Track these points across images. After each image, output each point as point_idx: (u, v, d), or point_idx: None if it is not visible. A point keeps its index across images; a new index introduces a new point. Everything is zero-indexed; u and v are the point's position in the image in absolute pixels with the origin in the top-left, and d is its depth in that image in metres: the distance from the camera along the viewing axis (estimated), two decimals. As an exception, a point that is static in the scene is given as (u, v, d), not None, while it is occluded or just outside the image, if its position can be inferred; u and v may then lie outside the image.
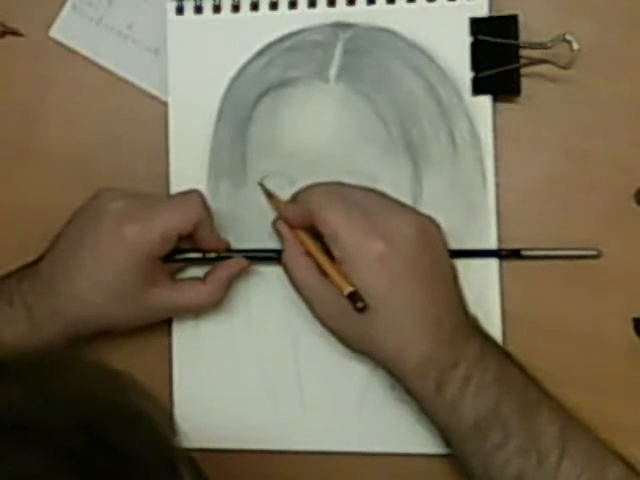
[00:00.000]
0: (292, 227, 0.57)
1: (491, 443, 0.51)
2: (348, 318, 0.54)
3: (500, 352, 0.54)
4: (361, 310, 0.52)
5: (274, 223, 0.59)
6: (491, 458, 0.51)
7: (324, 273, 0.55)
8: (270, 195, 0.60)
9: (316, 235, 0.56)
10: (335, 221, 0.54)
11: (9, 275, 0.59)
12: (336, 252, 0.54)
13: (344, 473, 0.61)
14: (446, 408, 0.52)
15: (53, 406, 0.36)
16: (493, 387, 0.52)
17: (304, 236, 0.57)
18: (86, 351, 0.60)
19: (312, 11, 0.62)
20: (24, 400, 0.36)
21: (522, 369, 0.54)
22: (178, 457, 0.38)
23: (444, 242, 0.56)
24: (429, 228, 0.55)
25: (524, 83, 0.59)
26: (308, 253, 0.56)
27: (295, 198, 0.58)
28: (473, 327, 0.55)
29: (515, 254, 0.59)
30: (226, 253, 0.60)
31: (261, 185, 0.61)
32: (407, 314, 0.53)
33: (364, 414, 0.60)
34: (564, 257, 0.59)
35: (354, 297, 0.52)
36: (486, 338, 0.55)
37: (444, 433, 0.54)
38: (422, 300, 0.53)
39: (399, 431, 0.59)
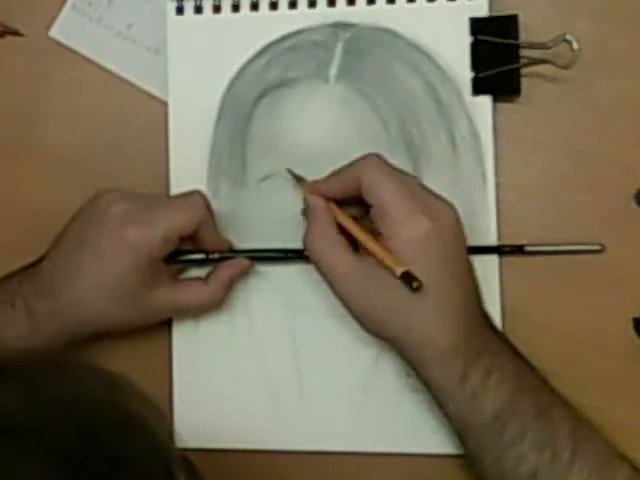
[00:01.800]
0: (326, 199, 0.56)
1: (508, 437, 0.51)
2: (382, 299, 0.53)
3: (513, 348, 0.55)
4: (416, 290, 0.51)
5: (305, 198, 0.57)
6: (506, 453, 0.51)
7: (358, 250, 0.54)
8: (300, 179, 0.59)
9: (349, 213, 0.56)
10: (388, 192, 0.53)
11: (10, 276, 0.59)
12: (382, 226, 0.53)
13: (344, 473, 0.61)
14: (466, 399, 0.52)
15: (48, 409, 0.36)
16: (512, 381, 0.52)
17: (338, 210, 0.55)
18: (86, 351, 0.60)
19: (312, 11, 0.62)
20: (19, 403, 0.36)
21: (533, 367, 0.54)
22: (173, 459, 0.38)
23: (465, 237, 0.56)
24: (459, 220, 0.55)
25: (524, 83, 0.59)
26: (343, 229, 0.55)
27: (340, 170, 0.56)
28: (488, 322, 0.55)
29: (518, 250, 0.59)
30: (229, 253, 0.60)
31: (290, 171, 0.59)
32: (442, 298, 0.52)
33: (364, 414, 0.60)
34: (567, 252, 0.59)
35: (408, 276, 0.51)
36: (500, 335, 0.55)
37: (459, 426, 0.54)
38: (458, 286, 0.53)
39: (400, 431, 0.59)
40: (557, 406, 0.53)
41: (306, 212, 0.57)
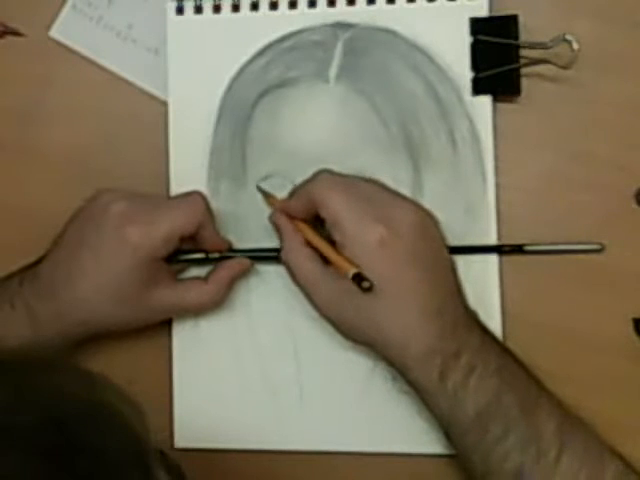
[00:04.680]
0: (291, 219, 0.57)
1: (491, 436, 0.51)
2: (352, 306, 0.54)
3: (500, 345, 0.55)
4: (367, 290, 0.52)
5: (271, 217, 0.59)
6: (491, 452, 0.51)
7: (326, 261, 0.55)
8: (267, 196, 0.60)
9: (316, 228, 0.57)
10: (337, 205, 0.54)
11: (10, 276, 0.59)
12: (337, 237, 0.54)
13: (344, 473, 0.61)
14: (448, 399, 0.52)
15: (25, 405, 0.36)
16: (495, 378, 0.52)
17: (303, 226, 0.57)
18: (86, 352, 0.60)
19: (312, 11, 0.62)
20: None
21: (521, 363, 0.54)
22: (152, 456, 0.39)
23: (442, 234, 0.57)
24: (428, 218, 0.56)
25: (524, 83, 0.59)
26: (308, 243, 0.56)
27: (295, 190, 0.58)
28: (473, 319, 0.55)
29: (518, 249, 0.59)
30: (229, 253, 0.60)
31: (259, 187, 0.61)
32: (410, 301, 0.53)
33: (364, 414, 0.60)
34: (567, 252, 0.59)
35: (359, 277, 0.52)
36: (486, 331, 0.55)
37: (445, 426, 0.54)
38: (424, 288, 0.53)
39: (399, 431, 0.59)
40: (544, 402, 0.52)
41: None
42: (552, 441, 0.51)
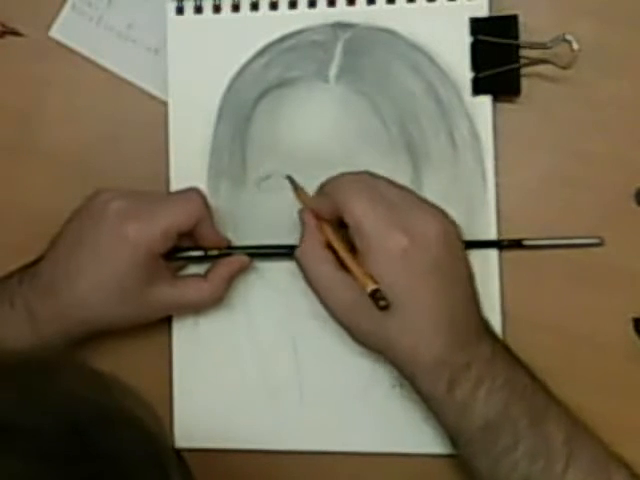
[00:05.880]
0: (318, 218, 0.57)
1: (500, 446, 0.51)
2: (363, 314, 0.53)
3: (510, 355, 0.54)
4: (383, 309, 0.51)
5: (300, 212, 0.58)
6: (499, 461, 0.51)
7: (344, 267, 0.54)
8: (297, 188, 0.60)
9: (339, 231, 0.56)
10: (360, 211, 0.53)
11: (10, 276, 0.59)
12: (359, 244, 0.54)
13: (344, 473, 0.61)
14: (456, 409, 0.52)
15: (39, 408, 0.36)
16: (504, 390, 0.52)
17: (328, 229, 0.56)
18: (86, 351, 0.60)
19: (312, 11, 0.62)
20: (9, 402, 0.36)
21: (530, 373, 0.54)
22: (167, 458, 0.38)
23: (462, 242, 0.56)
24: (452, 228, 0.55)
25: (524, 83, 0.59)
26: (330, 246, 0.56)
27: (322, 189, 0.57)
28: (485, 329, 0.55)
29: (516, 244, 0.59)
30: (228, 250, 0.60)
31: (289, 178, 0.60)
32: (424, 313, 0.53)
33: (364, 414, 0.60)
34: (565, 246, 0.59)
35: (377, 295, 0.51)
36: (497, 340, 0.55)
37: (452, 434, 0.54)
38: (439, 300, 0.53)
39: (399, 431, 0.59)
40: (553, 412, 0.52)
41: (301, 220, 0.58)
42: (560, 452, 0.51)
